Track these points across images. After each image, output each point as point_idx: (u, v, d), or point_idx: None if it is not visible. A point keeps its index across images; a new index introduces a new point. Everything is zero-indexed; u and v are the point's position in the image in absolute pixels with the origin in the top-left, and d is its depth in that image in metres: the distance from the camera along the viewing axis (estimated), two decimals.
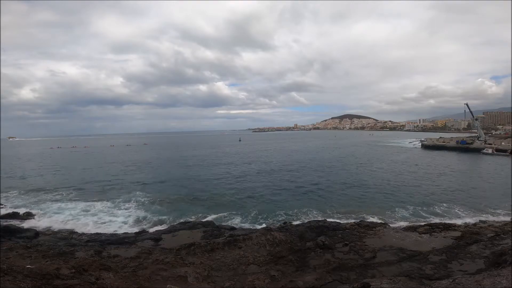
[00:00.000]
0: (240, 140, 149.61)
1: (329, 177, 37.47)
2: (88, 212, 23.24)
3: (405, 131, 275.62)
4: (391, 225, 18.03)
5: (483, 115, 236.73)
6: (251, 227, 18.80)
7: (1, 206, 24.39)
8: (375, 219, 19.62)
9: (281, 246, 12.96)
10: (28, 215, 22.14)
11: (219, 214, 22.33)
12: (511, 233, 13.82)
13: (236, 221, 20.80)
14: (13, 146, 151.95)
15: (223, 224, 19.57)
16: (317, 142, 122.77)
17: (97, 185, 35.09)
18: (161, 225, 19.76)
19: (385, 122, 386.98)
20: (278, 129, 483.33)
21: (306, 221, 19.12)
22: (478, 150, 65.90)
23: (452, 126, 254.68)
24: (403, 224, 18.80)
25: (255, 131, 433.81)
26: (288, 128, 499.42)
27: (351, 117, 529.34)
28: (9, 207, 24.59)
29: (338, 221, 19.09)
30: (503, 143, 70.85)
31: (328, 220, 18.83)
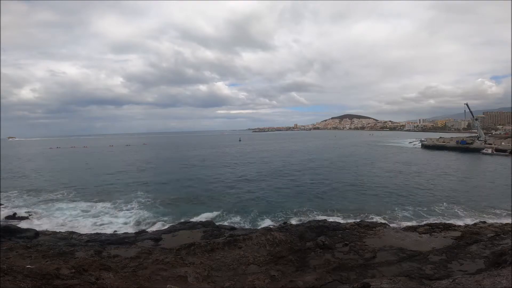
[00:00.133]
0: (240, 140, 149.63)
1: (329, 177, 37.48)
2: (88, 212, 23.26)
3: (405, 131, 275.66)
4: (391, 225, 18.04)
5: (483, 115, 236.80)
6: (251, 227, 18.82)
7: (1, 206, 24.39)
8: (375, 219, 19.65)
9: (281, 246, 12.96)
10: (28, 215, 22.18)
11: (219, 214, 22.36)
12: (511, 233, 13.81)
13: (236, 221, 20.82)
14: (13, 146, 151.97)
15: (223, 224, 19.57)
16: (317, 142, 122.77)
17: (96, 185, 35.10)
18: (161, 225, 19.78)
19: (385, 122, 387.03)
20: (278, 129, 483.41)
21: (306, 221, 19.12)
22: (478, 150, 65.93)
23: (452, 126, 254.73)
24: (403, 224, 18.83)
25: (255, 131, 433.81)
26: (288, 128, 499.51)
27: (351, 117, 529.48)
28: (9, 207, 24.60)
29: (338, 221, 19.10)
30: (503, 143, 70.87)
31: (328, 220, 18.83)
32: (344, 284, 9.00)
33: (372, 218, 20.03)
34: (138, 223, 20.70)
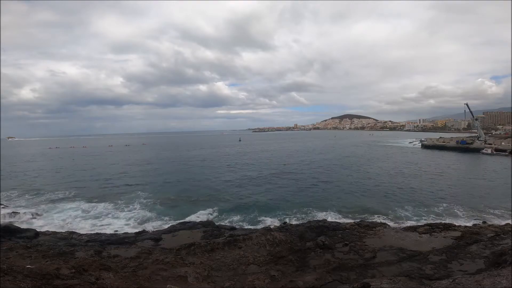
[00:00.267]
0: (240, 140, 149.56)
1: (329, 177, 37.49)
2: (88, 212, 23.26)
3: (405, 131, 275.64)
4: (391, 225, 18.04)
5: (483, 115, 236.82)
6: (251, 227, 18.82)
7: (2, 206, 24.38)
8: (375, 219, 19.64)
9: (281, 246, 12.96)
10: (28, 215, 22.16)
11: (219, 214, 22.37)
12: (511, 233, 13.81)
13: (236, 221, 20.82)
14: (12, 146, 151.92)
15: (223, 224, 19.58)
16: (317, 142, 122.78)
17: (96, 185, 35.12)
18: (161, 225, 19.78)
19: (385, 122, 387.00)
20: (278, 129, 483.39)
21: (306, 221, 19.12)
22: (478, 150, 65.96)
23: (452, 126, 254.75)
24: (403, 224, 18.83)
25: (255, 131, 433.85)
26: (288, 128, 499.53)
27: (351, 117, 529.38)
28: (10, 207, 24.58)
29: (338, 221, 19.10)
30: (503, 143, 70.87)
31: (328, 220, 18.84)
32: (344, 284, 9.00)
33: (372, 218, 20.02)
34: (138, 223, 20.69)
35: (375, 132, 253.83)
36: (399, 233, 15.37)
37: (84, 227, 19.65)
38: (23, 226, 18.93)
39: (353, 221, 18.49)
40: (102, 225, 20.25)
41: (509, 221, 18.45)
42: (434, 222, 18.32)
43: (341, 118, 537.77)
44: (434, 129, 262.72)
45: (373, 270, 10.58)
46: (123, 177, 40.87)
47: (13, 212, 22.49)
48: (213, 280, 9.82)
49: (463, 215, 20.97)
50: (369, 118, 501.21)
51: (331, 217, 20.80)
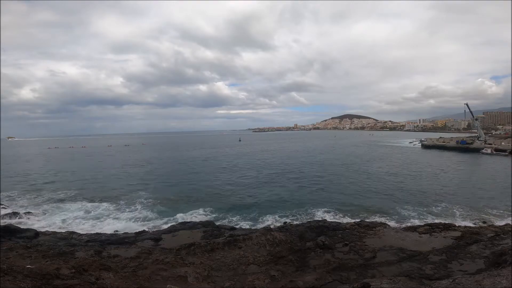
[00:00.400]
0: (240, 140, 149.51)
1: (329, 177, 37.49)
2: (88, 212, 23.25)
3: (405, 131, 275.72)
4: (391, 225, 18.04)
5: (483, 115, 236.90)
6: (251, 227, 18.81)
7: (1, 206, 24.38)
8: (375, 219, 19.63)
9: (281, 246, 12.96)
10: (28, 215, 22.16)
11: (219, 214, 22.35)
12: (511, 233, 13.82)
13: (236, 221, 20.81)
14: (12, 146, 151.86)
15: (223, 224, 19.57)
16: (317, 142, 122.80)
17: (96, 185, 35.13)
18: (161, 225, 19.77)
19: (385, 122, 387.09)
20: (278, 129, 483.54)
21: (306, 221, 19.12)
22: (478, 150, 66.00)
23: (452, 126, 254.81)
24: (403, 224, 18.82)
25: (255, 131, 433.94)
26: (288, 128, 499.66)
27: (351, 117, 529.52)
28: (10, 207, 24.59)
29: (338, 221, 19.10)
30: (503, 143, 70.88)
31: (328, 220, 18.84)
32: (344, 284, 9.00)
33: (372, 218, 20.01)
34: (138, 223, 20.68)
35: (375, 132, 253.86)
36: (399, 233, 15.37)
37: (84, 227, 19.64)
38: (23, 226, 18.93)
39: (353, 221, 18.49)
40: (102, 225, 20.24)
41: (509, 221, 18.46)
42: (434, 222, 18.32)
43: (341, 118, 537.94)
44: (434, 129, 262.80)
45: (373, 270, 10.58)
46: (123, 177, 40.87)
47: (13, 212, 22.49)
48: (213, 280, 9.82)
49: (463, 215, 20.96)
50: (369, 118, 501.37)
51: (331, 217, 20.79)
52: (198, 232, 16.46)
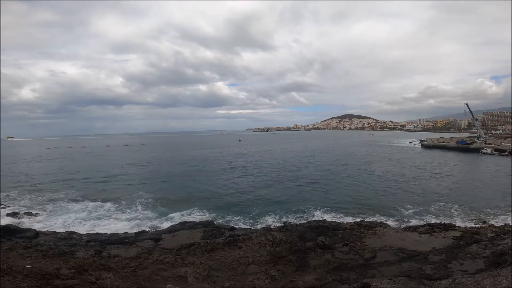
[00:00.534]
0: (240, 140, 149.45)
1: (329, 177, 37.48)
2: (88, 212, 23.25)
3: (405, 131, 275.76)
4: (391, 225, 18.04)
5: (483, 115, 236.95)
6: (251, 227, 18.81)
7: (1, 206, 24.38)
8: (375, 219, 19.63)
9: (281, 246, 12.96)
10: (28, 215, 22.15)
11: (219, 214, 22.34)
12: (511, 233, 13.82)
13: (236, 221, 20.81)
14: (11, 146, 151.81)
15: (223, 224, 19.57)
16: (317, 142, 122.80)
17: (95, 185, 35.14)
18: (161, 225, 19.77)
19: (385, 122, 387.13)
20: (278, 129, 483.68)
21: (306, 221, 19.13)
22: (478, 150, 66.01)
23: (452, 126, 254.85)
24: (403, 224, 18.82)
25: (255, 131, 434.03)
26: (288, 128, 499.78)
27: (351, 117, 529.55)
28: (10, 207, 24.59)
29: (338, 221, 19.10)
30: (503, 143, 70.89)
31: (328, 220, 18.83)
32: (344, 284, 9.00)
33: (372, 218, 20.01)
34: (138, 223, 20.66)
35: (375, 132, 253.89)
36: (399, 233, 15.38)
37: (84, 227, 19.63)
38: (23, 226, 18.95)
39: (353, 221, 18.49)
40: (102, 225, 20.23)
41: (509, 221, 18.46)
42: (434, 222, 18.34)
43: (341, 118, 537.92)
44: (434, 129, 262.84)
45: (373, 270, 10.59)
46: (122, 177, 40.85)
47: (13, 212, 22.48)
48: (213, 280, 9.82)
49: (463, 215, 20.95)
50: (369, 118, 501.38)
51: (331, 217, 20.78)
52: (198, 232, 16.46)
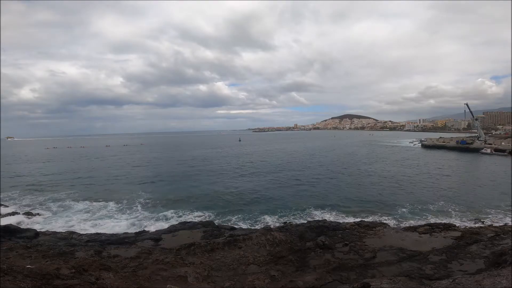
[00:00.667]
0: (240, 140, 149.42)
1: (329, 177, 37.48)
2: (88, 212, 23.24)
3: (405, 131, 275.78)
4: (391, 225, 18.05)
5: (483, 115, 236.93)
6: (251, 227, 18.81)
7: (1, 206, 24.38)
8: (375, 219, 19.63)
9: (281, 246, 12.96)
10: (28, 215, 22.15)
11: (219, 214, 22.35)
12: (511, 233, 13.82)
13: (236, 221, 20.80)
14: (11, 146, 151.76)
15: (223, 224, 19.57)
16: (316, 142, 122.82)
17: (95, 185, 35.13)
18: (161, 225, 19.76)
19: (385, 122, 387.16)
20: (278, 129, 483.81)
21: (306, 221, 19.12)
22: (478, 150, 66.02)
23: (452, 126, 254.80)
24: (403, 224, 18.82)
25: (255, 131, 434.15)
26: (288, 128, 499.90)
27: (351, 117, 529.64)
28: (10, 207, 24.58)
29: (338, 221, 19.09)
30: (503, 143, 70.89)
31: (328, 220, 18.84)
32: (344, 284, 9.00)
33: (372, 218, 20.01)
34: (138, 223, 20.67)
35: (375, 132, 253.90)
36: (399, 233, 15.38)
37: (84, 227, 19.62)
38: (23, 226, 18.95)
39: (353, 221, 18.50)
40: (102, 225, 20.24)
41: (509, 221, 18.47)
42: (434, 222, 18.34)
43: (341, 118, 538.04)
44: (434, 129, 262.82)
45: (373, 270, 10.59)
46: (122, 177, 40.86)
47: (13, 212, 22.49)
48: (213, 280, 9.82)
49: (462, 215, 20.94)
50: (369, 118, 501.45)
51: (331, 217, 20.78)
52: (198, 232, 16.46)
